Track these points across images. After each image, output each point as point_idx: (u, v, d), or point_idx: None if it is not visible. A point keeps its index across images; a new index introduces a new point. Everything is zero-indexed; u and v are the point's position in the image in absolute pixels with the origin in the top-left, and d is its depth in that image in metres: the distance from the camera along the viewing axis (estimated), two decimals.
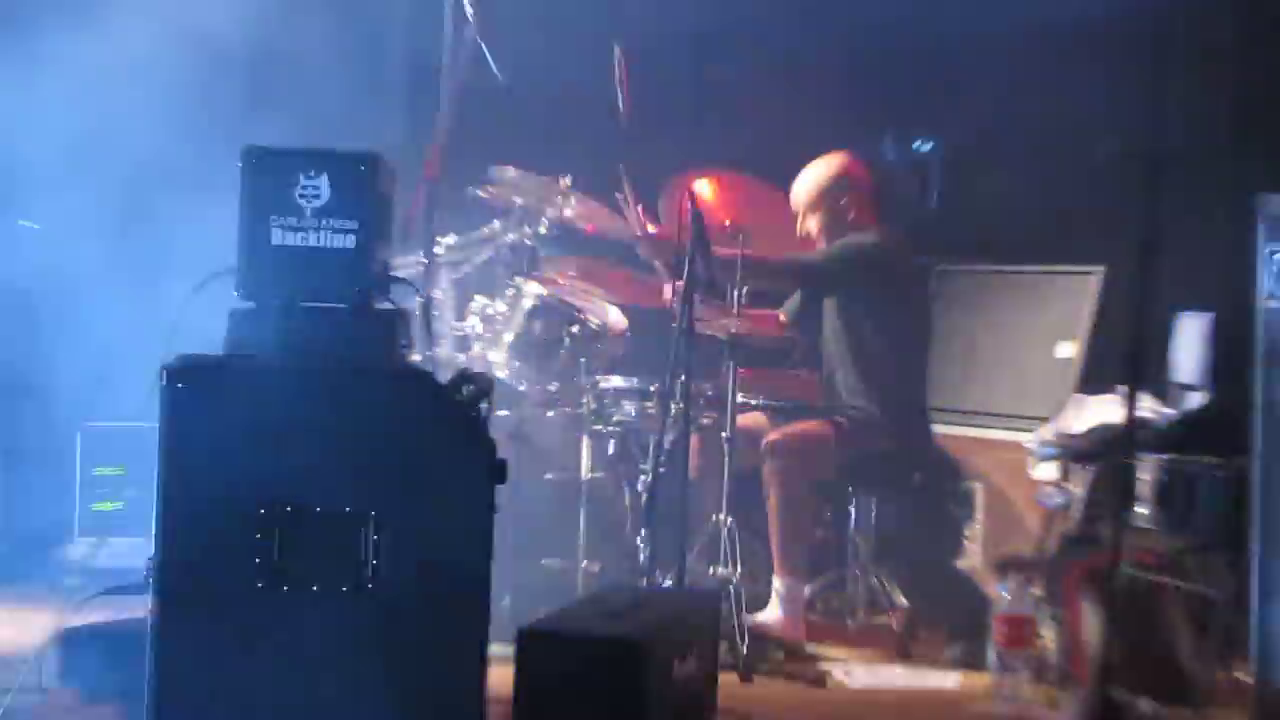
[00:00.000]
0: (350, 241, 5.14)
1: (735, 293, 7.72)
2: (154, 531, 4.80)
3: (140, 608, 5.01)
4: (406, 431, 4.84)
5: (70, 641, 6.53)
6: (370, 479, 4.79)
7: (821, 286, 8.09)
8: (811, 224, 8.05)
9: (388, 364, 5.16)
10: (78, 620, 6.36)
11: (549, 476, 7.97)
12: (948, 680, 7.36)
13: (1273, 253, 5.08)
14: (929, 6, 8.76)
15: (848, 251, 7.92)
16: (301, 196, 5.13)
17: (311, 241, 5.13)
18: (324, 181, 5.13)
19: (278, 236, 5.12)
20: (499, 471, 4.91)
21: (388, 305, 5.35)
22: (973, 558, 8.29)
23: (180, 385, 4.76)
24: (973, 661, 7.38)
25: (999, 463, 8.27)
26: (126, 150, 8.56)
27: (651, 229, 7.88)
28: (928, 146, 9.36)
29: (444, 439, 4.83)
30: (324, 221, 5.13)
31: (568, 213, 7.97)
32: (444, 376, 5.19)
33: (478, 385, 5.19)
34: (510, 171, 7.92)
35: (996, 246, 9.10)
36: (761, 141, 8.66)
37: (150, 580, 4.87)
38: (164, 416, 4.77)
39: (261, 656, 4.75)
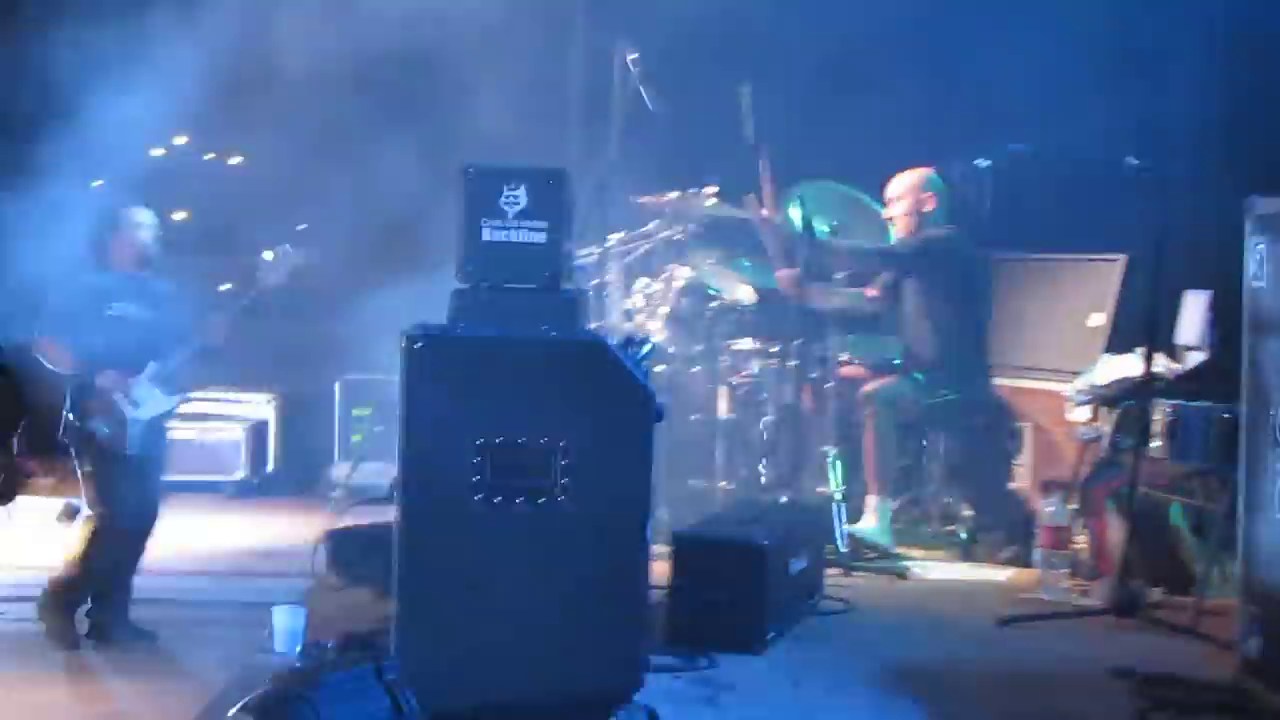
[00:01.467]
0: (542, 237, 5.13)
1: (836, 276, 7.72)
2: (398, 457, 4.84)
3: (386, 514, 5.07)
4: (587, 382, 4.84)
5: (335, 538, 6.66)
6: (560, 418, 4.78)
7: (902, 269, 8.05)
8: (896, 211, 8.01)
9: (571, 330, 5.15)
10: (341, 523, 6.47)
11: (694, 417, 7.98)
12: (1001, 575, 7.34)
13: (1256, 243, 5.02)
14: (990, 54, 8.68)
15: (924, 243, 7.89)
16: (506, 203, 5.14)
17: (513, 238, 5.12)
18: (523, 191, 5.14)
19: (488, 234, 5.12)
20: (658, 413, 4.93)
21: (571, 286, 5.37)
22: (1022, 480, 8.21)
23: (418, 346, 4.81)
24: (1021, 561, 7.34)
25: (1043, 407, 8.18)
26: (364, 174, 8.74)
27: (776, 219, 7.85)
28: (986, 163, 9.26)
29: (616, 388, 4.84)
30: (523, 222, 5.12)
31: (708, 213, 7.98)
32: (614, 340, 5.22)
33: (640, 347, 5.22)
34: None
35: (1043, 240, 9.01)
36: (857, 157, 8.60)
37: (394, 493, 4.92)
38: (405, 370, 4.79)
39: (478, 551, 4.77)
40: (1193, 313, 7.38)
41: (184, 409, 8.86)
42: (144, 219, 6.32)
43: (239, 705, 4.13)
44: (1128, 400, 6.82)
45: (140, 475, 6.09)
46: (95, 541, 6.01)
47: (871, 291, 8.29)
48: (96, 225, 6.45)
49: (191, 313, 6.34)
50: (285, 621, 5.70)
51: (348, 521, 6.99)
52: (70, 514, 6.20)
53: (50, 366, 6.13)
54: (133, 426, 6.03)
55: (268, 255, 6.37)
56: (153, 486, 6.20)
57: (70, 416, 6.00)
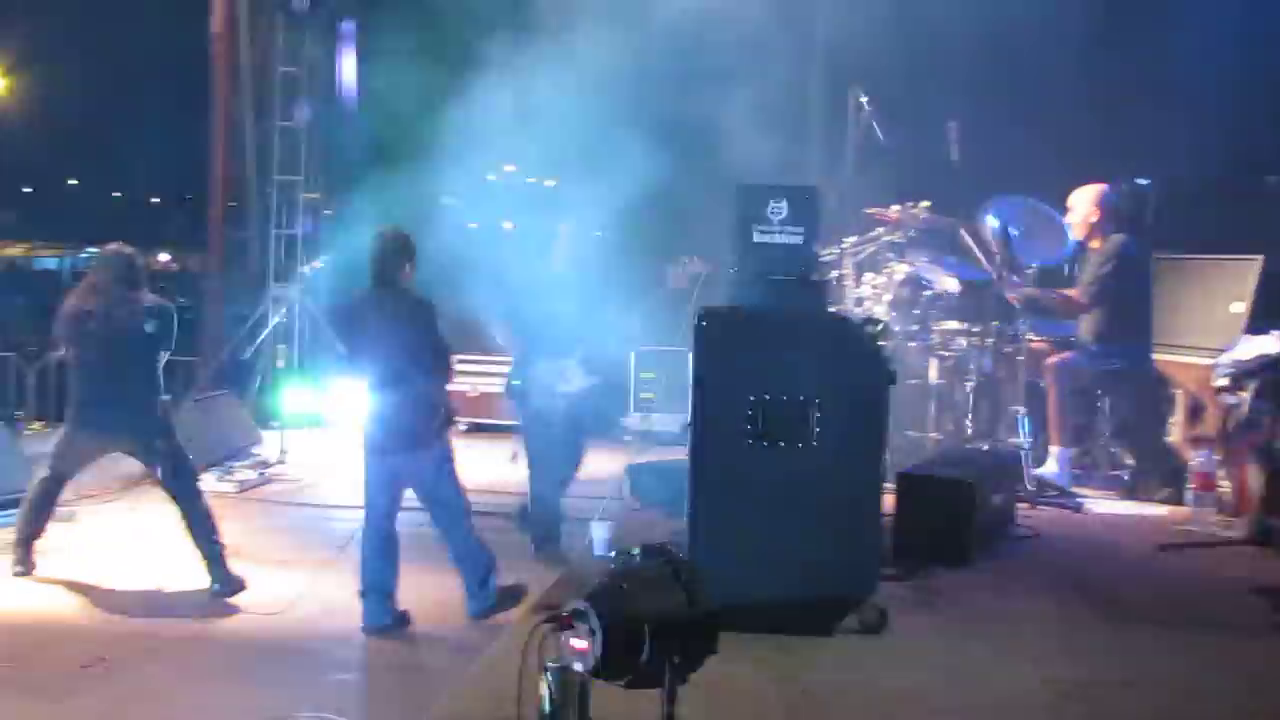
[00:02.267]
0: (799, 239, 5.19)
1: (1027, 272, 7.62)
2: (690, 408, 4.95)
3: (675, 453, 5.19)
4: (835, 351, 4.92)
5: (635, 471, 6.84)
6: (815, 378, 4.85)
7: (1108, 291, 7.71)
8: (1074, 218, 7.84)
9: (820, 311, 5.24)
10: (639, 459, 6.63)
11: (911, 382, 7.95)
12: (1159, 511, 7.21)
13: None
14: (1151, 93, 8.49)
15: (1109, 256, 7.64)
16: (771, 212, 5.22)
17: (776, 239, 5.19)
18: (784, 203, 5.20)
19: (757, 236, 5.20)
20: (890, 377, 4.98)
21: (817, 277, 5.41)
22: (1176, 436, 8.03)
23: (705, 324, 4.93)
24: (1175, 500, 7.19)
25: (1193, 377, 7.97)
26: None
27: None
28: (1146, 182, 9.03)
29: (859, 357, 4.91)
30: (784, 227, 5.19)
31: (923, 223, 7.94)
32: (856, 320, 5.26)
33: (875, 326, 5.26)
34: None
35: (1195, 244, 8.75)
36: (1044, 178, 8.46)
37: (684, 436, 5.03)
38: (697, 342, 4.92)
39: (750, 482, 4.87)
40: None
41: None
42: (568, 231, 6.50)
43: (574, 591, 4.32)
44: (1265, 372, 6.64)
45: (566, 432, 6.38)
46: (532, 477, 6.41)
47: (1074, 293, 8.02)
48: (537, 237, 6.72)
49: (603, 307, 6.56)
50: (601, 532, 5.91)
51: (644, 458, 7.16)
52: (515, 457, 6.55)
53: (500, 342, 6.44)
54: (562, 399, 6.29)
55: (683, 263, 6.54)
56: (578, 438, 6.47)
57: (512, 384, 6.31)
